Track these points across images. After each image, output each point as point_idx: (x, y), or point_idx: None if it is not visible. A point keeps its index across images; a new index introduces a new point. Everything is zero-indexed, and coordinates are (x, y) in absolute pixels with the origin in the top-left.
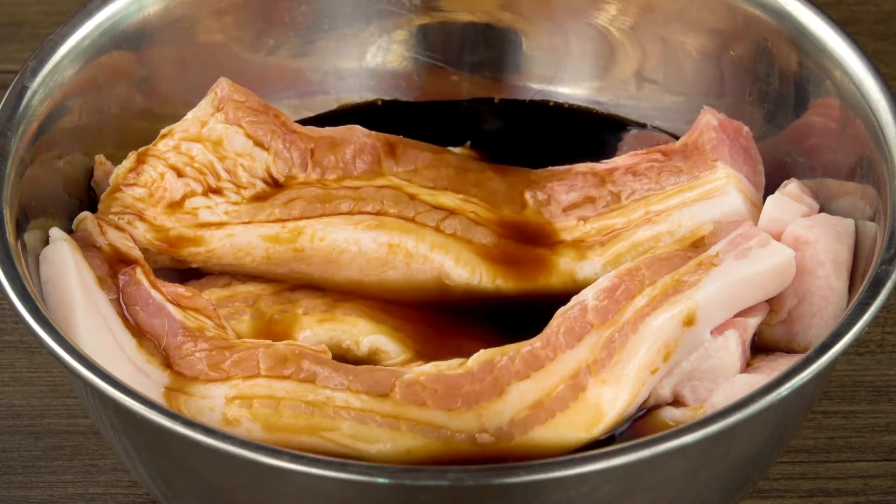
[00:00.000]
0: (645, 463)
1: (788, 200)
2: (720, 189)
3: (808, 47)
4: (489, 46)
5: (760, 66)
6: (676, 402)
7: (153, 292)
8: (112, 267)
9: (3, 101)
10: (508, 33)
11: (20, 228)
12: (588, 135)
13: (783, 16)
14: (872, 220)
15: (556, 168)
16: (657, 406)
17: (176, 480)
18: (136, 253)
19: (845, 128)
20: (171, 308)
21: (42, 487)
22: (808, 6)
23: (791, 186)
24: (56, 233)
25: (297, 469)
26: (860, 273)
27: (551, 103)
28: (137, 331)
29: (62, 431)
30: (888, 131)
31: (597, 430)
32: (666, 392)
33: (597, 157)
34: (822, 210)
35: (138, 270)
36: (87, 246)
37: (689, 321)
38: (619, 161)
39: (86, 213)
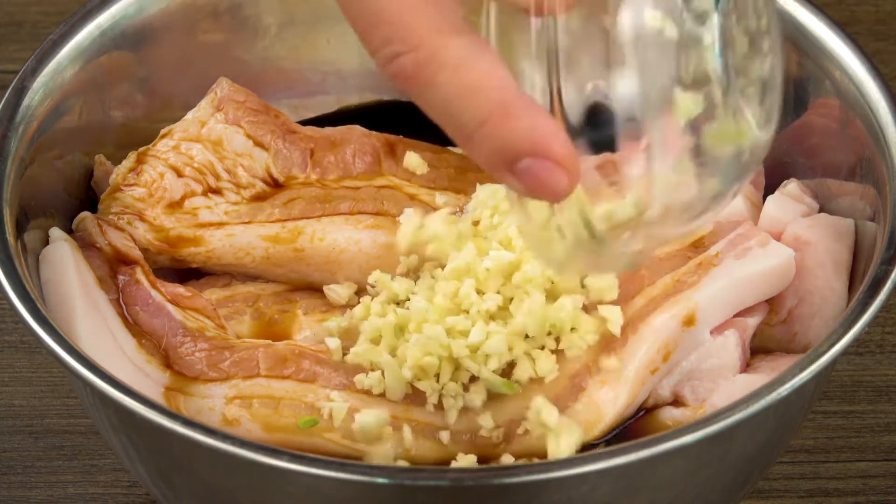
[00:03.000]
0: (645, 463)
1: (788, 200)
2: None
3: (808, 47)
4: None
5: None
6: (676, 402)
7: (153, 292)
8: (112, 267)
9: (3, 101)
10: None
11: (20, 228)
12: None
13: (783, 16)
14: (872, 220)
15: None
16: (657, 406)
17: (176, 480)
18: (136, 253)
19: (845, 128)
20: (170, 308)
21: (42, 487)
22: (808, 6)
23: (791, 186)
24: (56, 233)
25: (297, 469)
26: (860, 273)
27: None
28: (137, 331)
29: (62, 431)
30: (888, 131)
31: (596, 430)
32: (666, 392)
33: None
34: (821, 210)
35: (138, 270)
36: (87, 246)
37: (689, 321)
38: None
39: (86, 213)
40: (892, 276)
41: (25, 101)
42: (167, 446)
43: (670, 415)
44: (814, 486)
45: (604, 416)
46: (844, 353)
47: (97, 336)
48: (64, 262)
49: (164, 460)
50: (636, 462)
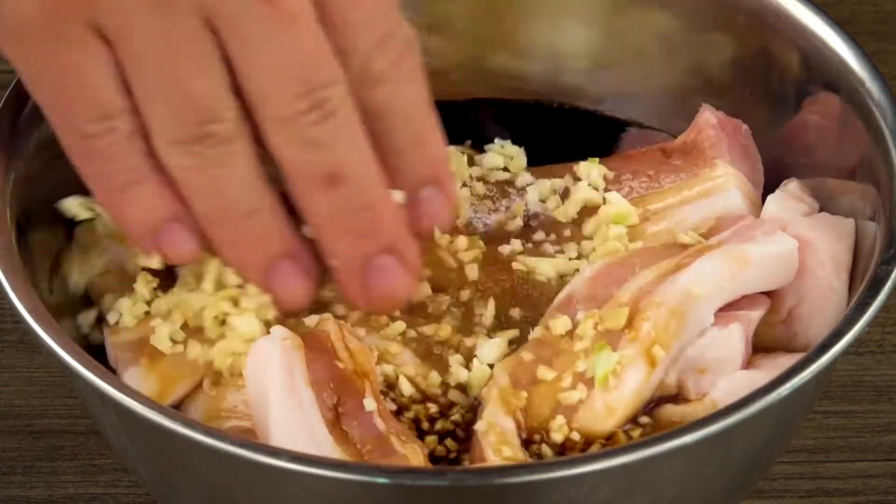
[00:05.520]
0: (645, 463)
1: (789, 199)
2: (720, 187)
3: (808, 47)
4: (489, 47)
5: (760, 66)
6: (679, 395)
7: (378, 422)
8: (337, 374)
9: (3, 101)
10: (508, 33)
11: (20, 228)
12: (588, 134)
13: (783, 16)
14: (872, 219)
15: (555, 166)
16: (662, 398)
17: (176, 480)
18: (371, 364)
19: (845, 128)
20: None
21: (42, 487)
22: (808, 6)
23: (791, 186)
24: (278, 331)
25: (296, 469)
26: (860, 273)
27: (554, 104)
28: (343, 437)
29: (62, 431)
30: (888, 131)
31: (617, 415)
32: (672, 381)
33: (596, 156)
34: (821, 209)
35: (367, 388)
36: (315, 346)
37: (691, 298)
38: (618, 159)
39: (328, 315)
40: (892, 276)
41: (26, 101)
42: (167, 446)
43: (673, 411)
44: (814, 486)
45: (622, 401)
46: (844, 353)
47: (293, 431)
48: (272, 355)
49: (164, 460)
50: (636, 462)
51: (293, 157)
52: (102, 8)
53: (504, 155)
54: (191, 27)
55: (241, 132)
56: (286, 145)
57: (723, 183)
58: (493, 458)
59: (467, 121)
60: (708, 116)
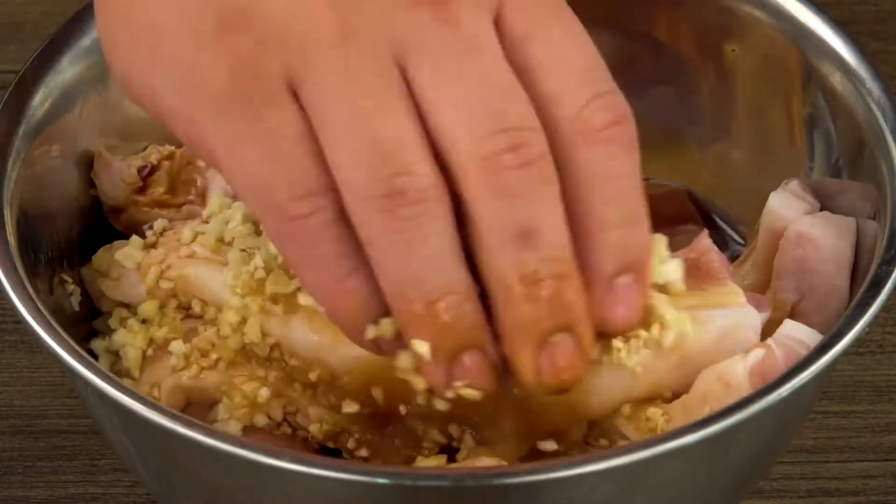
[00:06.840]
0: (645, 463)
1: (792, 198)
2: (735, 301)
3: (809, 47)
4: None
5: (760, 67)
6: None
7: None
8: None
9: (3, 101)
10: None
11: (20, 228)
12: None
13: (783, 16)
14: (873, 218)
15: None
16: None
17: (176, 480)
18: None
19: (846, 127)
20: None
21: (42, 487)
22: (808, 6)
23: (792, 185)
24: None
25: (297, 469)
26: (860, 272)
27: None
28: None
29: (62, 431)
30: (888, 131)
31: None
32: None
33: None
34: (822, 209)
35: None
36: None
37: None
38: None
39: None
40: (892, 276)
41: (26, 101)
42: (167, 446)
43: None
44: (814, 486)
45: None
46: (845, 353)
47: None
48: None
49: (164, 460)
50: (636, 462)
51: (486, 205)
52: (290, 50)
53: None
54: (377, 59)
55: (438, 196)
56: (480, 191)
57: (739, 297)
58: None
59: None
60: (708, 243)
